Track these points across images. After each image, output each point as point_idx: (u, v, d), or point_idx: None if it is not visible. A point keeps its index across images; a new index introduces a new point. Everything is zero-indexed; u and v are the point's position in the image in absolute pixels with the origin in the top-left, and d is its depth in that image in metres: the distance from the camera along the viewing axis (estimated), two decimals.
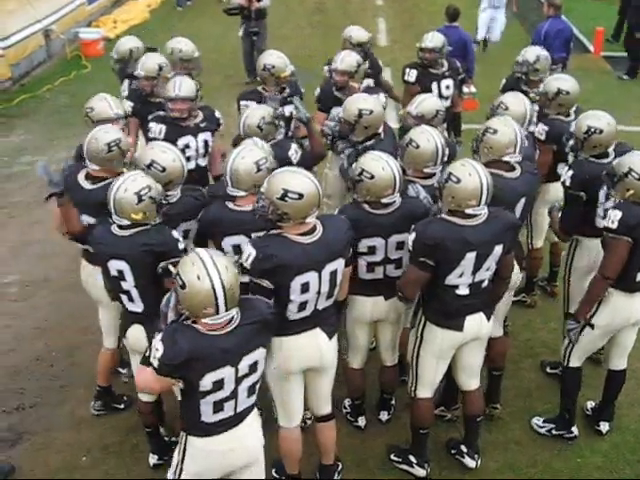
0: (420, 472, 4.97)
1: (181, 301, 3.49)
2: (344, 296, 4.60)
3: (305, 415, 4.93)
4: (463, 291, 4.47)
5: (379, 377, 5.37)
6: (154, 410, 4.98)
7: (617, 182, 4.64)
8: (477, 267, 4.39)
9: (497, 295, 4.75)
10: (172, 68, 6.45)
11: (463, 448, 5.07)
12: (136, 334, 4.55)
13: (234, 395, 3.67)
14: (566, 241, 5.60)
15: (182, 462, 3.82)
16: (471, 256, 4.33)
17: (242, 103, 6.16)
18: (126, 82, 6.79)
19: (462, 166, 4.31)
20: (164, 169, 4.69)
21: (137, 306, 4.47)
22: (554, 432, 5.31)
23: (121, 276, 4.37)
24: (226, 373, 3.56)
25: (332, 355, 4.47)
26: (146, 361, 3.55)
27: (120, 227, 4.36)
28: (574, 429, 5.28)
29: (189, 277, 3.45)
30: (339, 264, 4.23)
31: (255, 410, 3.90)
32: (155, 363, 3.46)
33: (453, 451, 5.13)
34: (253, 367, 3.70)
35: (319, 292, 4.20)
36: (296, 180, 4.04)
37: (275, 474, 4.96)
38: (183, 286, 3.45)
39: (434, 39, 7.20)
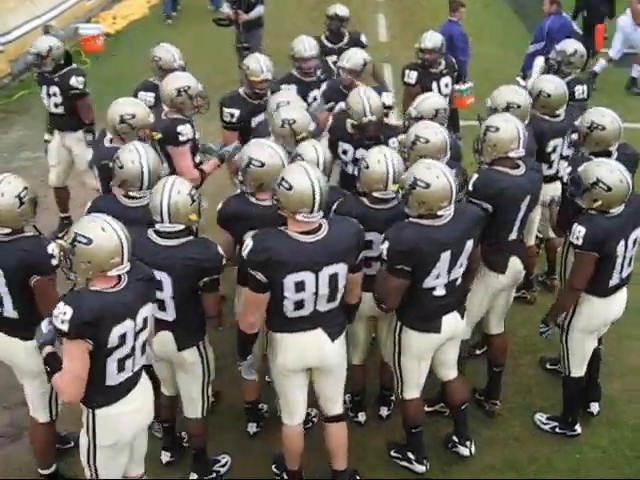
0: (419, 468, 4.99)
1: (86, 258, 3.63)
2: (355, 300, 4.51)
3: (311, 414, 4.95)
4: (440, 292, 4.49)
5: (379, 373, 5.38)
6: (174, 405, 4.95)
7: (584, 192, 4.59)
8: (452, 265, 4.41)
9: (466, 289, 4.79)
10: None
11: (455, 438, 5.10)
12: (162, 340, 4.45)
13: (133, 352, 3.87)
14: (561, 237, 5.62)
15: (94, 440, 3.93)
16: (446, 256, 4.34)
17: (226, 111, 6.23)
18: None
19: (428, 170, 4.28)
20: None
21: (169, 315, 4.41)
22: (557, 430, 5.32)
23: (158, 286, 4.22)
24: (128, 326, 3.77)
25: (337, 356, 4.43)
26: (51, 364, 3.77)
27: (161, 236, 4.29)
28: (577, 427, 5.29)
29: (96, 232, 3.64)
30: (340, 269, 4.17)
31: (144, 374, 4.10)
32: (65, 327, 3.55)
33: (449, 445, 5.15)
34: (145, 322, 3.91)
35: (316, 293, 4.16)
36: (294, 172, 4.09)
37: (275, 469, 4.98)
38: (89, 242, 3.62)
39: (433, 39, 7.20)
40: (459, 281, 4.55)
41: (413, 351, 4.65)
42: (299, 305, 4.19)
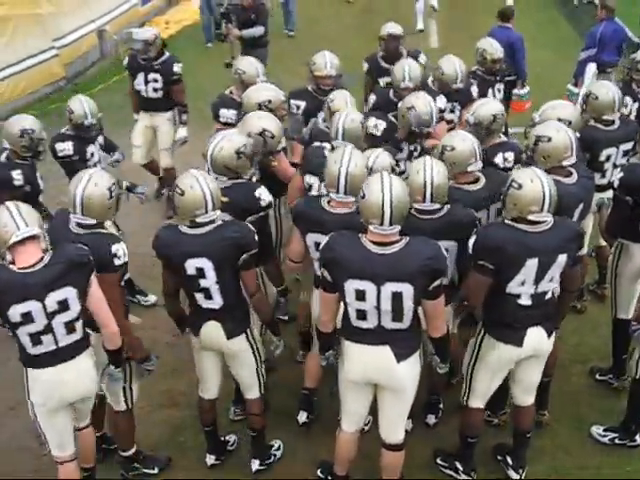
0: (465, 478, 4.95)
1: None
2: (437, 333, 4.29)
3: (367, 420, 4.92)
4: (525, 301, 4.40)
5: (428, 379, 5.33)
6: (214, 408, 5.02)
7: None
8: (539, 276, 4.31)
9: (563, 309, 4.70)
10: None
11: (509, 460, 5.02)
12: (210, 331, 4.59)
13: (49, 329, 4.07)
14: (611, 244, 5.54)
15: (29, 395, 4.28)
16: (532, 263, 4.26)
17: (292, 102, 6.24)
18: None
19: (524, 172, 4.28)
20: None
21: (215, 303, 4.51)
22: (617, 441, 5.21)
23: (200, 274, 4.38)
24: (32, 307, 3.97)
25: (403, 378, 4.29)
26: None
27: (194, 226, 4.36)
28: (637, 437, 5.18)
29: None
30: (405, 289, 4.04)
31: (87, 351, 4.29)
32: None
33: (499, 457, 5.08)
34: (63, 304, 4.04)
35: (378, 308, 4.11)
36: (371, 181, 4.10)
37: (320, 474, 4.99)
38: None
39: (499, 47, 7.21)
40: (549, 295, 4.46)
41: (490, 361, 4.59)
42: (361, 315, 4.16)
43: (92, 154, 6.36)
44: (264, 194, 4.80)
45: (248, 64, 6.44)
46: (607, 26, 9.57)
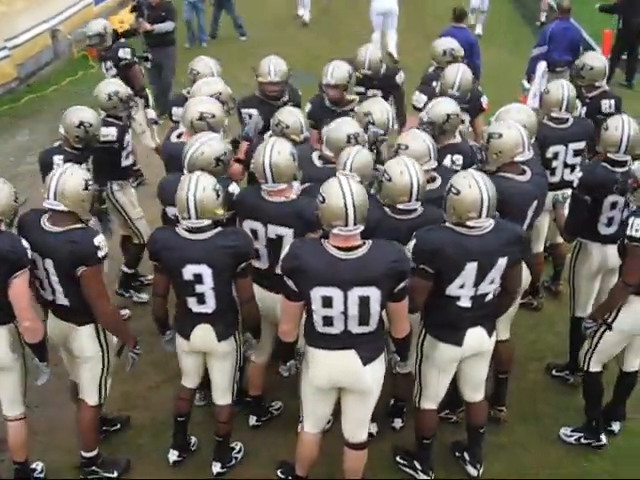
0: (423, 477, 4.96)
1: None
2: (401, 334, 4.31)
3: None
4: (465, 303, 4.42)
5: (395, 384, 5.30)
6: (192, 399, 5.03)
7: (637, 189, 4.58)
8: (479, 279, 4.34)
9: (501, 309, 4.72)
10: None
11: (466, 456, 5.05)
12: (202, 334, 4.61)
13: None
14: (570, 242, 5.59)
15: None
16: (472, 266, 4.28)
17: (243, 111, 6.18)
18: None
19: (463, 178, 4.27)
20: None
21: (207, 307, 4.53)
22: (583, 441, 5.25)
23: (198, 280, 4.42)
24: None
25: (369, 381, 4.28)
26: None
27: (194, 231, 4.37)
28: (603, 437, 5.21)
29: None
30: (372, 293, 4.02)
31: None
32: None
33: (457, 454, 5.11)
34: None
35: (345, 313, 4.08)
36: (329, 185, 4.05)
37: (280, 474, 4.97)
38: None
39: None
40: (489, 297, 4.48)
41: (434, 360, 4.60)
42: (328, 321, 4.12)
43: (128, 142, 6.39)
44: (236, 190, 4.89)
45: (203, 65, 6.34)
46: (559, 25, 9.70)
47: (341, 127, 5.16)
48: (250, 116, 5.90)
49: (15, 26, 12.10)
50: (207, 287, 4.46)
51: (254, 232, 4.72)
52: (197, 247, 4.37)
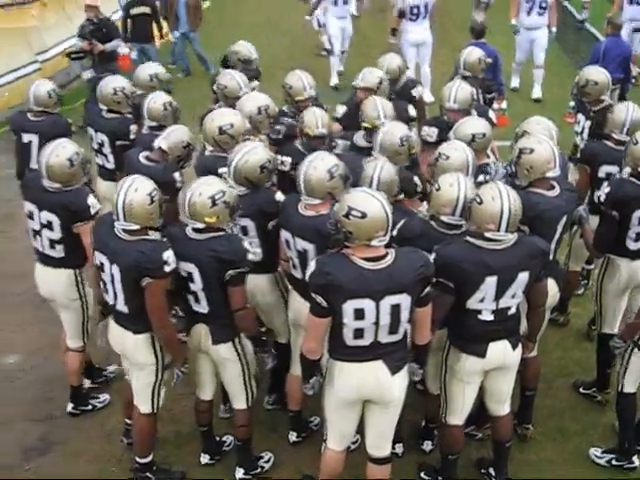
0: None
1: None
2: (424, 340, 4.33)
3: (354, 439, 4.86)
4: (486, 317, 4.40)
5: (424, 405, 5.27)
6: (210, 409, 5.08)
7: None
8: (500, 293, 4.32)
9: (534, 326, 4.72)
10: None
11: (492, 472, 5.00)
12: (199, 333, 4.70)
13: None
14: (598, 257, 5.54)
15: None
16: (491, 280, 4.27)
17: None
18: None
19: (490, 189, 4.28)
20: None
21: (202, 307, 4.61)
22: (614, 462, 5.16)
23: (190, 278, 4.52)
24: None
25: (396, 392, 4.27)
26: None
27: (195, 230, 4.49)
28: (635, 459, 5.13)
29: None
30: (403, 299, 4.04)
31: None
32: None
33: (482, 471, 5.07)
34: None
35: (377, 323, 4.07)
36: (362, 199, 4.02)
37: None
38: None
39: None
40: (512, 311, 4.45)
41: (458, 373, 4.58)
42: (359, 334, 4.10)
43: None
44: (282, 198, 4.93)
45: (229, 78, 6.37)
46: (611, 42, 9.64)
47: (394, 130, 5.26)
48: (278, 132, 5.92)
49: (46, 40, 12.27)
50: (198, 287, 4.55)
51: (287, 242, 4.75)
52: (190, 246, 4.49)
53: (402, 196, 4.92)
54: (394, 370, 4.21)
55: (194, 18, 13.42)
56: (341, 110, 6.64)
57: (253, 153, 4.92)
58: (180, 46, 13.79)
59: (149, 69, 6.88)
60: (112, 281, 4.57)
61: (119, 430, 5.43)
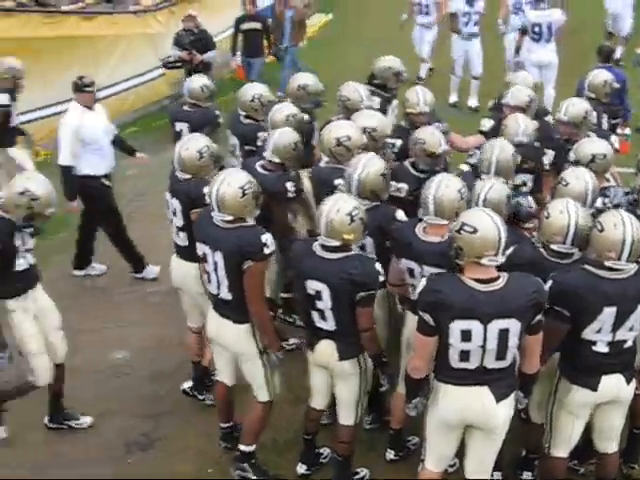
0: None
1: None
2: (532, 369, 4.24)
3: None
4: (601, 348, 4.27)
5: (526, 435, 5.12)
6: (320, 419, 5.14)
7: None
8: (617, 324, 4.19)
9: None
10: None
11: None
12: (324, 349, 4.70)
13: None
14: None
15: None
16: (610, 311, 4.14)
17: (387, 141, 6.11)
18: None
19: (612, 216, 4.16)
20: None
21: (329, 325, 4.62)
22: None
23: (318, 296, 4.52)
24: None
25: (501, 420, 4.18)
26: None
27: (325, 248, 4.50)
28: None
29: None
30: (512, 324, 3.96)
31: None
32: None
33: None
34: None
35: (484, 347, 4.01)
36: (476, 216, 4.03)
37: None
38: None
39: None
40: (628, 344, 4.33)
41: (567, 404, 4.46)
42: (464, 356, 4.05)
43: None
44: (404, 217, 4.93)
45: (352, 90, 6.43)
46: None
47: (506, 148, 5.35)
48: (393, 145, 5.92)
49: (169, 48, 12.60)
50: (326, 306, 4.54)
51: (411, 270, 4.66)
52: (321, 265, 4.48)
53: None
54: (500, 397, 4.13)
55: (297, 33, 13.45)
56: (488, 124, 6.61)
57: (371, 164, 4.95)
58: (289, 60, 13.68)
59: (300, 79, 6.88)
60: (215, 269, 4.74)
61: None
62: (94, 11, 12.11)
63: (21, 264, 5.08)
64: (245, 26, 12.52)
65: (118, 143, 7.56)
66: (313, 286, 4.52)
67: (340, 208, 4.43)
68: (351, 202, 4.51)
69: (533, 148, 5.96)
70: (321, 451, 5.31)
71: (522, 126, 5.89)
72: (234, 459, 5.13)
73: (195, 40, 11.06)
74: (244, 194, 4.62)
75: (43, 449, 5.49)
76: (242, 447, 5.08)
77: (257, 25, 12.51)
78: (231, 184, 4.64)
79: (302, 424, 5.22)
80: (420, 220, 4.66)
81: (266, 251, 4.59)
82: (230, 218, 4.63)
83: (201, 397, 5.90)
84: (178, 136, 6.82)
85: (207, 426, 5.63)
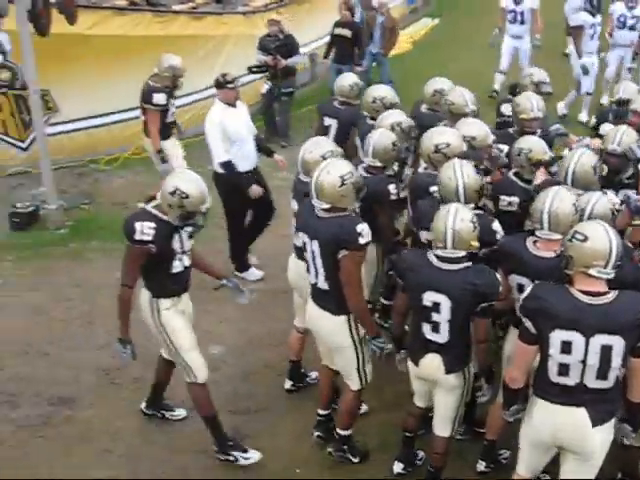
0: None
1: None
2: (638, 397, 4.05)
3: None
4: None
5: (621, 457, 4.91)
6: (421, 416, 5.09)
7: None
8: None
9: None
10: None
11: None
12: (430, 363, 4.65)
13: None
14: None
15: None
16: None
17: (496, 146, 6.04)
18: None
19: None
20: None
21: (441, 337, 4.56)
22: None
23: (435, 308, 4.47)
24: None
25: (597, 447, 4.03)
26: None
27: (442, 259, 4.44)
28: None
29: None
30: (616, 342, 3.82)
31: None
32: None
33: None
34: None
35: (584, 362, 3.88)
36: (589, 224, 3.97)
37: None
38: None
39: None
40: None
41: None
42: (564, 370, 3.93)
43: None
44: (499, 228, 4.89)
45: (458, 95, 6.34)
46: None
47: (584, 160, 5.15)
48: (501, 151, 5.83)
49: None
50: (443, 318, 4.47)
51: (520, 286, 4.54)
52: (442, 276, 4.41)
53: None
54: (597, 422, 3.97)
55: (388, 41, 13.16)
56: (607, 128, 6.39)
57: (467, 166, 4.89)
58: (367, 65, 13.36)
59: (435, 83, 6.86)
60: (313, 258, 4.78)
61: (310, 432, 5.53)
62: (204, 11, 12.31)
63: (177, 266, 5.04)
64: (336, 31, 12.42)
65: (257, 143, 7.47)
66: (431, 298, 4.46)
67: (464, 217, 4.39)
68: (468, 209, 4.48)
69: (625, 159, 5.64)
70: (418, 452, 5.26)
71: (618, 137, 5.65)
72: (333, 443, 5.26)
73: (280, 45, 11.10)
74: (343, 183, 4.64)
75: (137, 437, 5.61)
76: (339, 431, 5.20)
77: (347, 32, 12.30)
78: (331, 172, 4.66)
79: (393, 429, 5.27)
80: (529, 233, 4.56)
81: (361, 241, 4.58)
82: (327, 206, 4.66)
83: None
84: (326, 130, 7.01)
85: (297, 426, 5.66)
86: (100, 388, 6.11)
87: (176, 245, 4.99)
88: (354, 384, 5.06)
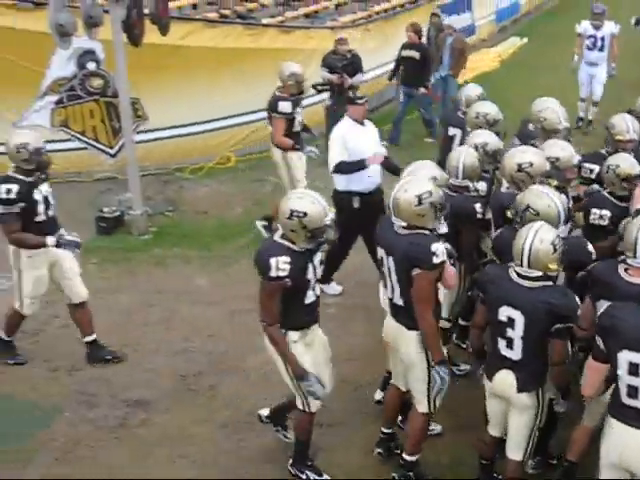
0: None
1: None
2: None
3: None
4: None
5: None
6: (496, 446, 4.94)
7: None
8: None
9: None
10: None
11: None
12: (504, 379, 4.58)
13: None
14: None
15: None
16: None
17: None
18: None
19: None
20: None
21: (515, 354, 4.48)
22: None
23: (510, 324, 4.41)
24: None
25: None
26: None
27: (522, 277, 4.37)
28: None
29: None
30: None
31: None
32: None
33: None
34: None
35: None
36: None
37: None
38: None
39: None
40: None
41: None
42: (632, 392, 3.85)
43: None
44: (592, 249, 4.87)
45: (550, 111, 6.34)
46: None
47: None
48: (591, 171, 5.75)
49: (364, 63, 12.73)
50: (517, 334, 4.41)
51: None
52: (519, 292, 4.36)
53: None
54: None
55: (457, 62, 12.89)
56: None
57: (551, 190, 4.87)
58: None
59: (541, 103, 6.76)
60: (389, 274, 4.75)
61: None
62: (293, 25, 12.46)
63: (310, 296, 4.85)
64: (404, 53, 12.18)
65: (384, 165, 7.16)
66: (507, 313, 4.40)
67: (544, 238, 4.29)
68: (553, 231, 4.38)
69: None
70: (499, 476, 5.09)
71: None
72: (398, 466, 5.13)
73: (347, 64, 11.02)
74: (420, 202, 4.59)
75: (210, 444, 5.62)
76: (405, 456, 5.09)
77: (415, 54, 12.02)
78: (408, 190, 4.64)
79: (463, 451, 5.21)
80: (621, 260, 4.43)
81: (435, 260, 4.55)
82: (404, 224, 4.62)
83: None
84: (451, 140, 7.06)
85: (369, 442, 5.57)
86: (176, 393, 6.16)
87: (310, 275, 4.81)
88: (422, 406, 4.96)
